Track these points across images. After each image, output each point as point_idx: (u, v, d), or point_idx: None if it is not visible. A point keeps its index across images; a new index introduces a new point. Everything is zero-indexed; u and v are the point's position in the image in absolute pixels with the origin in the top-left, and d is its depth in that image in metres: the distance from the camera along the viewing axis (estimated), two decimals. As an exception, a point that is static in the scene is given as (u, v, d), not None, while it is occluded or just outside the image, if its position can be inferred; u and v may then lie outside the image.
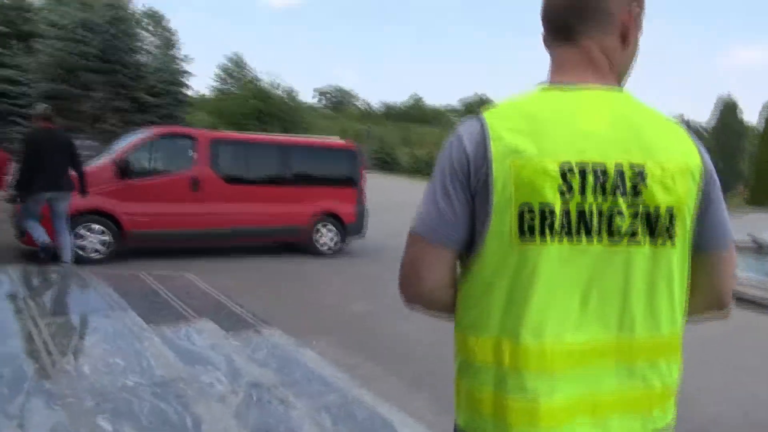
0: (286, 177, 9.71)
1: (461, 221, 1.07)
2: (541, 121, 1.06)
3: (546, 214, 1.02)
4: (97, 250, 7.87)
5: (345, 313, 6.22)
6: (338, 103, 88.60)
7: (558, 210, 1.02)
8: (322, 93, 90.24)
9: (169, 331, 4.22)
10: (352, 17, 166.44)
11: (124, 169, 8.12)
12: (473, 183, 1.06)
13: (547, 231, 1.03)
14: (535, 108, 1.09)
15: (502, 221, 1.03)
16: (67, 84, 30.00)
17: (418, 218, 1.12)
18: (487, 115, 1.09)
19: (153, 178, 8.54)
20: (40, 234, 6.41)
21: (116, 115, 31.11)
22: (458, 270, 1.15)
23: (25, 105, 29.63)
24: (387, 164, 50.03)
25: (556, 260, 1.03)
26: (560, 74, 1.14)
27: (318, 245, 9.88)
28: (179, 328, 4.37)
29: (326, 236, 9.99)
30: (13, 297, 4.40)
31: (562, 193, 1.02)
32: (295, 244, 10.00)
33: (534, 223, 1.02)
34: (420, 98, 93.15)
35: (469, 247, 1.09)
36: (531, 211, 1.02)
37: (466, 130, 1.10)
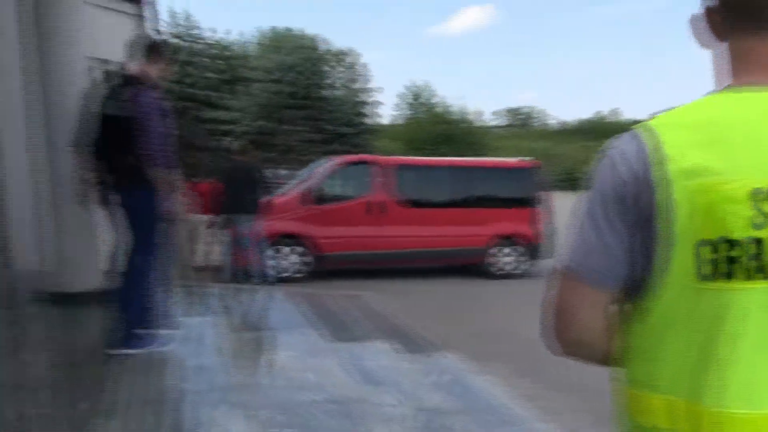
0: (463, 199, 9.66)
1: (620, 257, 0.89)
2: (723, 133, 0.83)
3: (740, 248, 0.81)
4: (296, 270, 8.58)
5: (523, 339, 5.89)
6: (522, 123, 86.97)
7: (753, 244, 0.81)
8: (504, 113, 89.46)
9: (347, 353, 4.37)
10: (528, 36, 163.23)
11: (317, 196, 8.77)
12: (635, 212, 0.86)
13: (740, 271, 0.81)
14: (716, 116, 0.86)
15: (679, 259, 0.83)
16: (269, 121, 33.72)
17: (567, 252, 0.95)
18: (653, 127, 0.88)
19: (342, 203, 9.08)
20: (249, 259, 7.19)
21: (311, 146, 34.13)
22: (616, 312, 0.96)
23: (234, 140, 34.04)
24: (575, 183, 47.59)
25: (759, 306, 0.81)
26: (747, 73, 0.88)
27: (495, 268, 9.64)
28: (356, 349, 4.50)
29: (504, 259, 9.71)
30: (213, 313, 4.92)
31: (756, 226, 0.80)
32: (471, 266, 9.85)
33: (723, 260, 0.81)
34: (612, 111, 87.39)
35: (632, 288, 0.90)
36: (718, 245, 0.81)
37: (623, 146, 0.90)
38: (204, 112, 31.54)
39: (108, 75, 3.93)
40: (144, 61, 3.59)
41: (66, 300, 4.40)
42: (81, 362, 3.53)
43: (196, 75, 30.53)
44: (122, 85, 3.46)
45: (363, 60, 41.63)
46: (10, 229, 6.56)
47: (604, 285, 0.91)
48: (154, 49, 3.73)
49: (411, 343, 5.02)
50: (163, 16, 32.08)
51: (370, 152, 34.66)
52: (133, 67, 3.55)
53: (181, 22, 31.42)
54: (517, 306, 7.55)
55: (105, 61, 7.43)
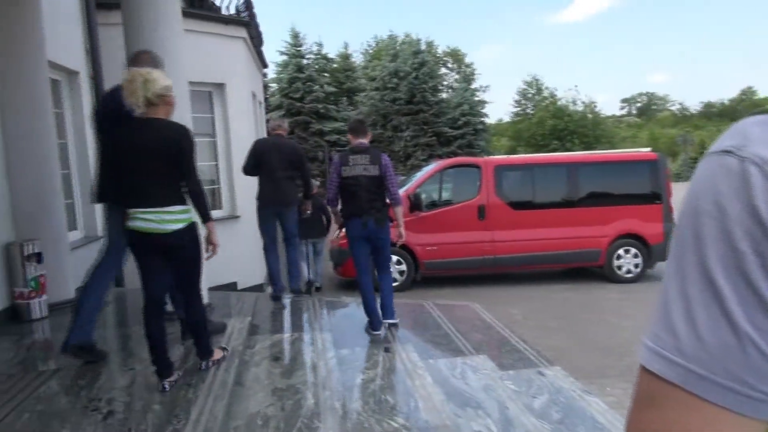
0: (578, 198, 9.05)
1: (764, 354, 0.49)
2: None
3: None
4: (394, 279, 8.43)
5: (648, 354, 5.33)
6: (647, 110, 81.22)
7: None
8: (629, 101, 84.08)
9: (444, 368, 4.11)
10: (654, 19, 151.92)
11: (416, 202, 8.59)
12: None
13: None
14: None
15: None
16: (382, 128, 34.23)
17: (668, 347, 0.52)
18: None
19: (442, 208, 8.85)
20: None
21: (423, 150, 34.18)
22: None
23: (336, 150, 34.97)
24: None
25: None
26: None
27: (617, 271, 8.89)
28: (454, 365, 4.23)
29: (627, 260, 8.93)
30: (303, 329, 4.87)
31: None
32: (589, 270, 9.21)
33: None
34: (753, 90, 78.41)
35: None
36: None
37: (739, 168, 0.50)
38: (312, 125, 32.69)
39: None
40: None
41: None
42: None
43: (303, 89, 31.71)
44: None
45: (475, 57, 41.00)
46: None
47: (754, 408, 0.50)
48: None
49: (517, 358, 4.67)
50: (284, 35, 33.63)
51: (488, 152, 34.14)
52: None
53: (288, 39, 32.78)
54: (638, 314, 6.95)
55: (220, 85, 7.84)
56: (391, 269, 8.40)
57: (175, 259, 3.30)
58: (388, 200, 4.78)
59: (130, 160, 3.20)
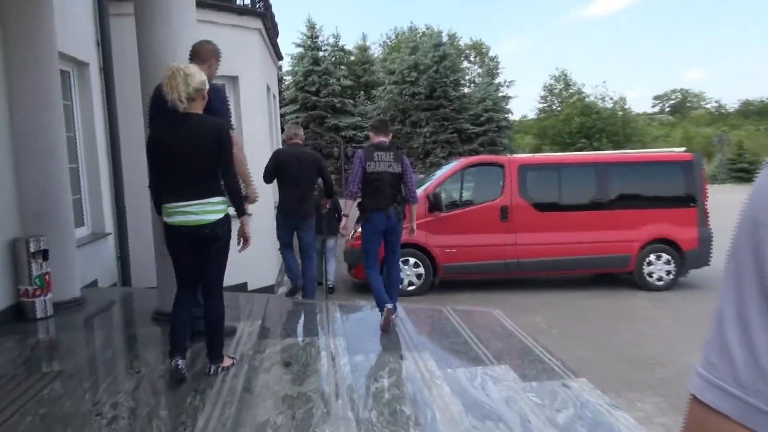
0: (607, 199, 8.95)
1: None
2: None
3: None
4: (411, 283, 8.42)
5: (679, 366, 5.25)
6: (681, 107, 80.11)
7: None
8: (661, 98, 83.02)
9: (463, 378, 4.08)
10: (688, 12, 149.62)
11: (435, 202, 8.54)
12: None
13: None
14: None
15: None
16: (400, 123, 34.20)
17: (724, 376, 0.50)
18: None
19: (463, 209, 8.80)
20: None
21: (443, 147, 34.07)
22: None
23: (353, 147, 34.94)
24: (749, 174, 42.81)
25: None
26: None
27: (647, 278, 8.78)
28: (474, 375, 4.19)
29: (658, 267, 8.82)
30: (315, 333, 4.86)
31: None
32: (618, 276, 9.10)
33: None
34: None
35: None
36: None
37: None
38: (327, 119, 32.74)
39: None
40: None
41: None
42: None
43: (319, 83, 31.79)
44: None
45: (500, 50, 40.84)
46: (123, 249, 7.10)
47: None
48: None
49: (541, 368, 4.62)
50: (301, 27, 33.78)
51: (511, 151, 33.93)
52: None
53: (304, 30, 32.87)
54: (670, 324, 6.86)
55: (233, 78, 7.88)
56: (409, 272, 8.57)
57: (207, 251, 3.48)
58: (405, 197, 5.26)
59: (172, 155, 3.40)
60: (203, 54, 4.02)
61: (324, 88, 32.14)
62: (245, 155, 4.14)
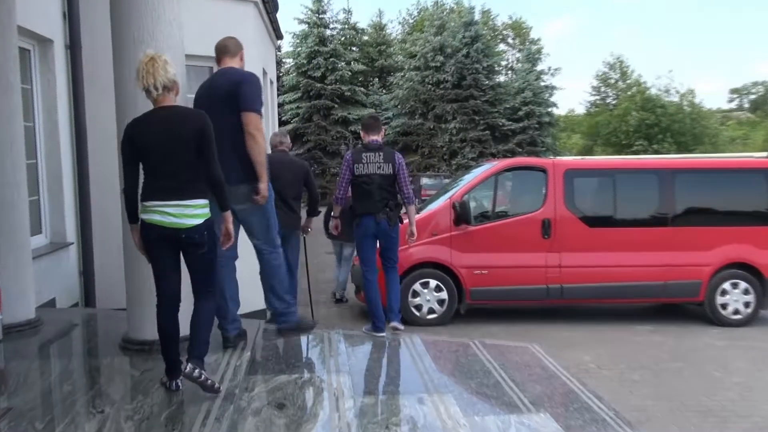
0: (673, 214, 8.95)
1: None
2: None
3: None
4: (432, 310, 8.41)
5: (758, 419, 5.22)
6: (763, 103, 79.62)
7: None
8: (739, 92, 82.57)
9: (493, 427, 4.05)
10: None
11: (463, 213, 8.53)
12: None
13: None
14: None
15: None
16: (421, 117, 34.31)
17: None
18: None
19: (497, 222, 8.80)
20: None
21: (473, 146, 34.11)
22: None
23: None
24: None
25: None
26: None
27: (721, 310, 8.74)
28: (507, 425, 4.16)
29: (734, 297, 8.78)
30: (315, 369, 4.86)
31: None
32: (685, 307, 9.07)
33: None
34: None
35: None
36: None
37: None
38: (334, 111, 32.89)
39: None
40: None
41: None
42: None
43: (325, 67, 32.00)
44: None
45: (543, 32, 40.93)
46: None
47: None
48: None
49: (589, 419, 4.58)
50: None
51: (555, 152, 33.88)
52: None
53: (309, 4, 33.15)
54: (748, 368, 6.83)
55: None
56: (429, 297, 8.57)
57: (190, 256, 3.82)
58: (400, 199, 5.91)
59: (149, 152, 3.70)
60: (233, 47, 4.78)
61: (331, 74, 32.40)
62: (266, 144, 4.76)
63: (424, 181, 27.94)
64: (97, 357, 5.06)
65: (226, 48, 4.77)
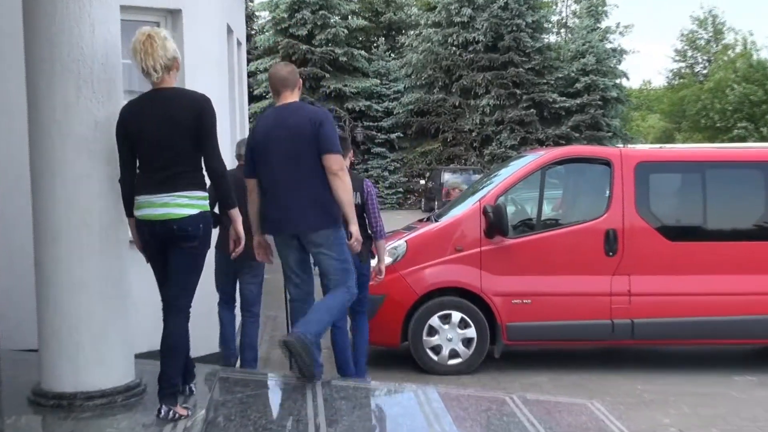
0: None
1: None
2: None
3: None
4: (455, 353, 8.38)
5: None
6: None
7: None
8: None
9: None
10: None
11: (496, 221, 8.49)
12: None
13: None
14: None
15: None
16: (442, 91, 34.30)
17: None
18: None
19: (543, 233, 8.78)
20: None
21: (512, 131, 34.11)
22: None
23: (390, 129, 34.88)
24: None
25: None
26: None
27: None
28: None
29: None
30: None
31: None
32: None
33: None
34: None
35: None
36: None
37: None
38: (325, 81, 32.93)
39: None
40: None
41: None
42: None
43: (312, 23, 32.08)
44: None
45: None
46: None
47: None
48: None
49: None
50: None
51: (625, 139, 33.69)
52: None
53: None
54: None
55: (173, 12, 7.96)
56: (451, 335, 8.52)
57: (177, 252, 4.34)
58: (369, 232, 6.65)
59: (143, 138, 4.30)
60: (292, 79, 5.65)
61: (320, 32, 32.50)
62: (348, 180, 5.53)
63: (447, 177, 27.84)
64: (-1, 415, 5.07)
65: (285, 82, 5.59)
